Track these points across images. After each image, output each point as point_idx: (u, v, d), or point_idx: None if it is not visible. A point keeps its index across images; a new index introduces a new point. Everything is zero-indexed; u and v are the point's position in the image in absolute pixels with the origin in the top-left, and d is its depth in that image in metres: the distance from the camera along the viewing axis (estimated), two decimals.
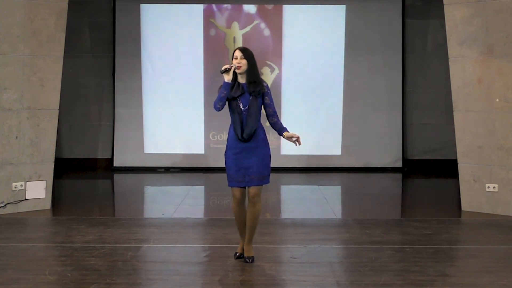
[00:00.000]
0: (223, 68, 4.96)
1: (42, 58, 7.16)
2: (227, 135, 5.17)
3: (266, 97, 5.01)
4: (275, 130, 5.11)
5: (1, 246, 5.60)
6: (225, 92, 4.95)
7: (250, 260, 5.07)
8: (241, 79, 5.01)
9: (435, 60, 10.72)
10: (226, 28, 10.70)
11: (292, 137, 5.03)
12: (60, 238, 6.02)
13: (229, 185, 5.06)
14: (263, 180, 5.00)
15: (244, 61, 4.96)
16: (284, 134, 5.05)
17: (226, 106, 5.06)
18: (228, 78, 4.95)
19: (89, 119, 10.93)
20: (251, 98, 4.96)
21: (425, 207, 7.84)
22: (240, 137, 4.95)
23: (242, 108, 4.97)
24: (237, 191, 5.02)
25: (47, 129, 7.26)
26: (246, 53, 4.98)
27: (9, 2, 6.92)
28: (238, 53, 4.98)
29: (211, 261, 5.21)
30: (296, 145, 5.09)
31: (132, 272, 4.87)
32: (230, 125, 5.06)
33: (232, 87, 4.99)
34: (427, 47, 10.90)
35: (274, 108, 5.09)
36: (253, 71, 4.99)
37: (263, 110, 5.07)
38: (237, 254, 5.17)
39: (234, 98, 4.97)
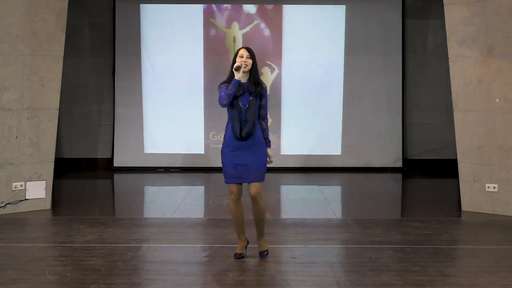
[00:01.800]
0: (235, 65, 5.00)
1: (42, 58, 7.16)
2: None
3: (262, 99, 5.10)
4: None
5: (1, 246, 5.60)
6: (233, 89, 4.99)
7: (265, 254, 5.15)
8: (242, 79, 5.05)
9: (435, 60, 10.73)
10: (226, 28, 10.70)
11: (270, 157, 5.14)
12: (60, 238, 6.01)
13: (225, 182, 5.09)
14: (261, 177, 5.06)
15: (250, 61, 5.04)
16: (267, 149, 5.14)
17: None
18: (239, 75, 5.00)
19: (89, 119, 10.94)
20: (251, 98, 5.03)
21: (425, 207, 7.84)
22: (238, 135, 5.00)
23: (242, 107, 5.02)
24: (234, 187, 5.06)
25: (47, 129, 7.26)
26: (251, 53, 5.08)
27: (9, 2, 6.92)
28: (244, 52, 5.05)
29: (211, 261, 5.21)
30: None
31: (132, 272, 4.87)
32: (227, 122, 5.11)
33: None
34: (427, 47, 10.90)
35: (267, 111, 5.18)
36: (256, 71, 5.10)
37: None
38: (237, 254, 5.17)
39: (235, 97, 5.02)
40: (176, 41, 10.68)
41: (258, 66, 5.17)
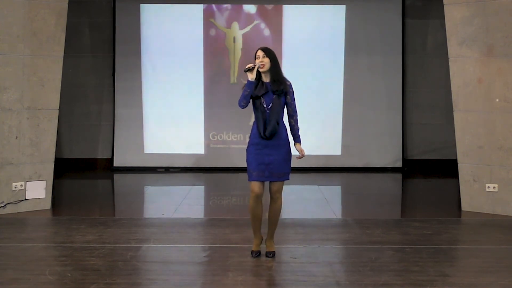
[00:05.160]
0: (246, 67, 5.04)
1: (42, 58, 7.16)
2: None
3: (288, 96, 5.14)
4: (291, 133, 5.21)
5: (1, 246, 5.60)
6: (248, 91, 5.03)
7: (271, 255, 5.18)
8: (265, 78, 5.10)
9: (435, 60, 10.73)
10: (226, 28, 10.70)
11: (300, 151, 5.18)
12: (60, 238, 6.01)
13: (249, 180, 5.10)
14: (283, 176, 5.13)
15: (267, 60, 5.05)
16: (296, 145, 5.20)
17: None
18: (251, 76, 5.03)
19: (89, 119, 10.94)
20: (274, 97, 5.06)
21: (425, 207, 7.84)
22: (262, 134, 5.04)
23: (265, 107, 5.06)
24: (256, 186, 5.07)
25: (47, 129, 7.26)
26: (269, 52, 5.09)
27: (9, 2, 6.92)
28: (260, 53, 5.07)
29: (211, 261, 5.21)
30: (296, 158, 5.24)
31: (132, 272, 4.87)
32: (254, 122, 5.14)
33: (256, 86, 5.07)
34: (427, 47, 10.90)
35: (295, 107, 5.19)
36: (276, 70, 5.09)
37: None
38: (254, 252, 5.20)
39: (258, 97, 5.05)
40: (176, 41, 10.67)
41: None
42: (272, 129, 5.02)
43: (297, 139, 5.21)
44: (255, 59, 5.08)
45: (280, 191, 5.15)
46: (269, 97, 5.06)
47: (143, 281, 4.74)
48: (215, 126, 10.59)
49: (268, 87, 5.07)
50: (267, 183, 5.18)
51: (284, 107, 5.14)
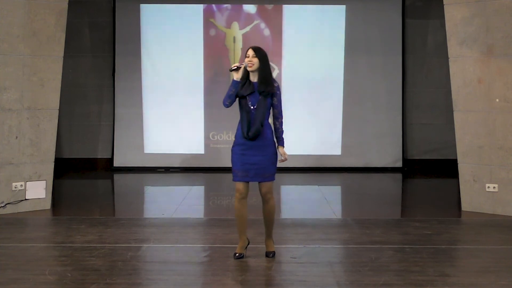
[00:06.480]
0: (232, 67, 5.03)
1: (42, 58, 7.16)
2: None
3: (274, 98, 5.08)
4: (275, 135, 5.17)
5: (1, 246, 5.60)
6: (233, 90, 5.02)
7: (271, 255, 5.17)
8: (253, 78, 5.07)
9: (435, 60, 10.73)
10: (226, 28, 10.70)
11: (283, 154, 5.13)
12: (60, 238, 6.02)
13: (233, 180, 5.09)
14: (270, 177, 5.08)
15: (256, 60, 5.02)
16: (279, 148, 5.15)
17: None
18: (237, 76, 5.02)
19: (89, 119, 10.94)
20: (260, 97, 5.02)
21: (425, 207, 7.83)
22: (245, 135, 5.00)
23: (251, 107, 5.02)
24: (240, 186, 5.06)
25: (47, 129, 7.26)
26: (259, 52, 5.06)
27: (9, 2, 6.92)
28: (250, 52, 5.05)
29: (211, 261, 5.21)
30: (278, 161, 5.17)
31: (132, 272, 4.87)
32: (239, 122, 5.11)
33: (243, 85, 5.05)
34: (427, 47, 10.90)
35: (281, 110, 5.13)
36: (264, 70, 5.05)
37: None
38: (237, 254, 5.16)
39: (244, 97, 5.02)
40: (176, 41, 10.67)
41: None
42: (255, 130, 4.98)
43: (280, 142, 5.15)
44: (245, 57, 5.07)
45: (270, 191, 5.10)
46: (255, 97, 5.02)
47: (143, 281, 4.74)
48: (215, 126, 10.59)
49: (254, 87, 5.03)
50: (253, 184, 5.15)
51: (270, 109, 5.08)
